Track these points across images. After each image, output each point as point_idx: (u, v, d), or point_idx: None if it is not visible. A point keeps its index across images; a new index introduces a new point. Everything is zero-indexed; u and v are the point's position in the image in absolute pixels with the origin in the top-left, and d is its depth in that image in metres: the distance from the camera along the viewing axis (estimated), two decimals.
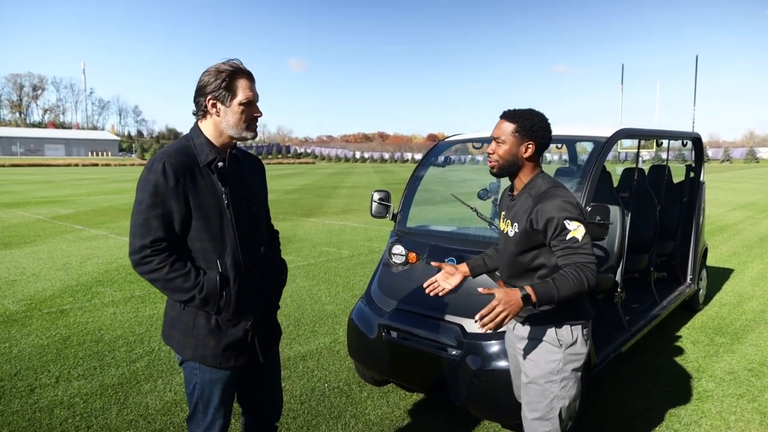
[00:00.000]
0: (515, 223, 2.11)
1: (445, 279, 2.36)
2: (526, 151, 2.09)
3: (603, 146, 3.33)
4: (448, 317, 3.11)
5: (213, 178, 1.90)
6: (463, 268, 2.42)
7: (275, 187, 24.94)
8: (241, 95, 1.89)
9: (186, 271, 1.85)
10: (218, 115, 1.91)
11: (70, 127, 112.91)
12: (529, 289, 1.88)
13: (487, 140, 4.35)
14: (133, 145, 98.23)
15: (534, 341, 2.16)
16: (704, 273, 5.73)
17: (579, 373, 2.20)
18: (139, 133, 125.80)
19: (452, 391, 3.00)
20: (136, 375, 3.89)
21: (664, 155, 5.57)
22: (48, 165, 56.18)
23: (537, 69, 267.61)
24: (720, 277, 7.01)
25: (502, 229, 2.25)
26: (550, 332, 2.14)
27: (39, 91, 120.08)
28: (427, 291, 2.37)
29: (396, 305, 3.36)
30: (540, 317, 2.13)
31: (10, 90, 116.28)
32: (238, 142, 2.03)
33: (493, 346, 2.89)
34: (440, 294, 2.36)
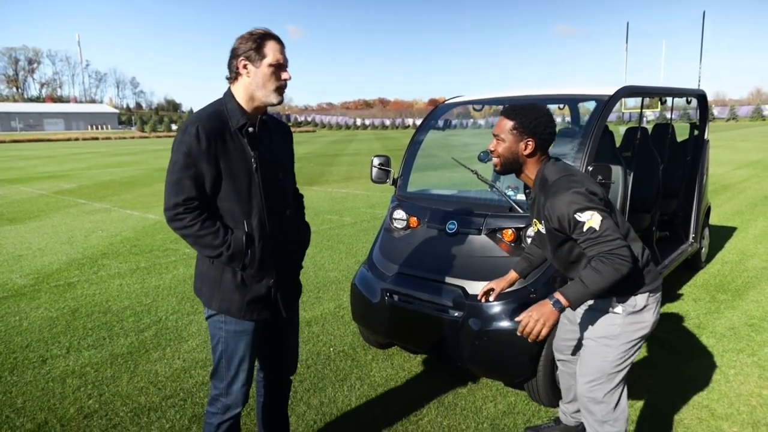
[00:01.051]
0: (542, 220, 2.15)
1: (497, 286, 2.54)
2: (526, 149, 2.08)
3: (605, 105, 3.28)
4: (450, 279, 3.13)
5: (243, 142, 1.98)
6: (512, 275, 2.54)
7: None
8: (271, 57, 1.96)
9: (215, 229, 1.95)
10: (248, 76, 1.97)
11: (68, 101, 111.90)
12: (558, 295, 1.91)
13: (488, 102, 4.30)
14: (132, 118, 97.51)
15: (589, 308, 2.24)
16: (707, 231, 5.73)
17: (641, 343, 2.19)
18: (138, 105, 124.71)
19: (454, 352, 3.04)
20: (145, 344, 3.96)
21: (668, 115, 5.49)
22: (48, 140, 55.91)
23: (539, 29, 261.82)
24: (723, 235, 7.01)
25: (536, 229, 2.29)
26: (611, 301, 2.15)
27: (35, 65, 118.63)
28: (482, 298, 2.56)
29: (398, 269, 3.38)
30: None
31: (5, 64, 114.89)
32: (268, 109, 2.08)
33: (495, 307, 2.92)
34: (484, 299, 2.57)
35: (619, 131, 5.45)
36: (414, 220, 3.58)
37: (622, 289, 2.07)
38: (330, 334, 4.11)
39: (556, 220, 1.99)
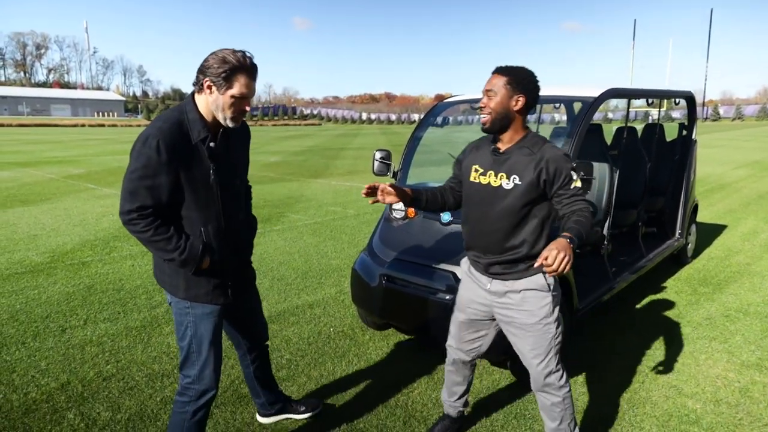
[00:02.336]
0: (513, 176, 2.16)
1: (385, 192, 2.31)
2: (516, 104, 2.15)
3: (590, 105, 3.52)
4: (442, 266, 3.38)
5: (203, 154, 2.05)
6: (408, 191, 2.41)
7: (282, 148, 25.08)
8: (236, 90, 2.02)
9: (169, 235, 2.03)
10: (210, 97, 2.04)
11: (75, 87, 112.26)
12: (568, 234, 1.97)
13: None
14: (139, 106, 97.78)
15: (524, 291, 2.25)
16: (693, 228, 5.96)
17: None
18: (144, 94, 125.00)
19: (442, 333, 3.29)
20: (157, 319, 4.23)
21: (675, 114, 5.70)
22: (55, 125, 56.27)
23: (546, 26, 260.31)
24: (713, 233, 7.24)
25: (483, 182, 2.26)
26: (538, 279, 2.25)
27: (42, 50, 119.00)
28: (363, 193, 2.31)
29: (395, 255, 3.63)
30: (522, 269, 2.24)
31: (13, 49, 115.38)
32: None
33: None
34: (371, 201, 2.32)
35: (612, 131, 5.68)
36: (411, 211, 3.83)
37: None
38: (331, 316, 4.37)
39: (553, 171, 2.11)
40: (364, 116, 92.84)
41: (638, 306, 4.63)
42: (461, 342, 2.56)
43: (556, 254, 1.83)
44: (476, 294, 2.41)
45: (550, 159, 2.13)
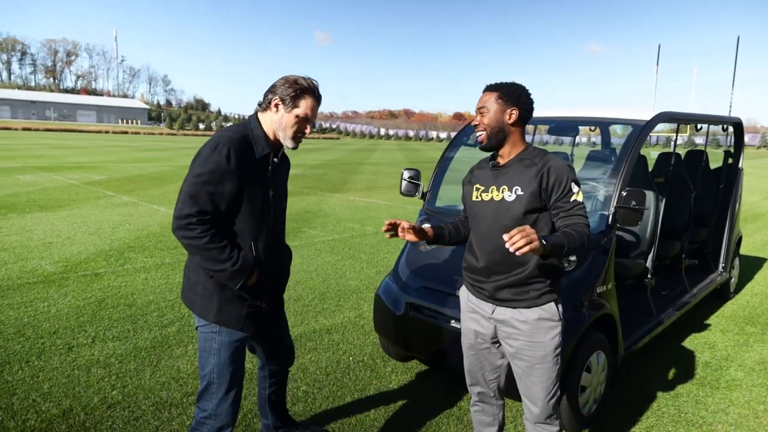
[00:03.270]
0: (515, 187, 2.09)
1: (406, 230, 2.21)
2: (510, 117, 2.11)
3: (642, 129, 3.26)
4: None
5: (267, 170, 2.12)
6: (426, 227, 2.33)
7: (301, 161, 25.06)
8: (302, 110, 2.09)
9: (223, 244, 2.01)
10: (276, 115, 2.11)
11: (101, 94, 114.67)
12: (546, 237, 1.88)
13: (531, 122, 4.29)
14: (162, 115, 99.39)
15: (536, 321, 2.14)
16: (737, 261, 5.62)
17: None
18: (168, 103, 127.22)
19: None
20: (168, 339, 4.01)
21: (698, 140, 5.42)
22: (80, 131, 57.31)
23: (569, 49, 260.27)
24: (753, 266, 6.86)
25: (486, 198, 2.18)
26: (551, 307, 2.14)
27: (72, 57, 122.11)
28: (383, 229, 2.19)
29: (423, 283, 3.38)
30: (533, 296, 2.14)
31: (44, 55, 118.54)
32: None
33: None
34: (389, 235, 2.20)
35: (651, 155, 5.38)
36: None
37: (554, 286, 2.16)
38: (350, 343, 4.12)
39: (554, 180, 2.04)
40: (382, 131, 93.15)
41: (682, 345, 4.29)
42: (479, 377, 2.40)
43: (521, 237, 1.74)
44: (479, 324, 2.29)
45: (551, 168, 2.06)
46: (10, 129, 52.42)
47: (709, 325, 4.74)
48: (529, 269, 2.11)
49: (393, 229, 2.19)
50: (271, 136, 2.14)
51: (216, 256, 2.00)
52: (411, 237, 2.21)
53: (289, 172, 2.43)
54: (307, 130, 2.15)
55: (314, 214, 9.98)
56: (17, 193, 10.99)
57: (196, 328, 2.17)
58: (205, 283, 2.10)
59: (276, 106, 2.09)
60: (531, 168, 2.09)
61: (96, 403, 3.08)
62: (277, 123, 2.11)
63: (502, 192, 2.13)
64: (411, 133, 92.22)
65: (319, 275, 5.89)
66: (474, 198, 2.23)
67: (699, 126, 4.36)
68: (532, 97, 2.17)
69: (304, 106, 2.09)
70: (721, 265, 5.13)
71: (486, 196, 2.18)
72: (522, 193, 2.08)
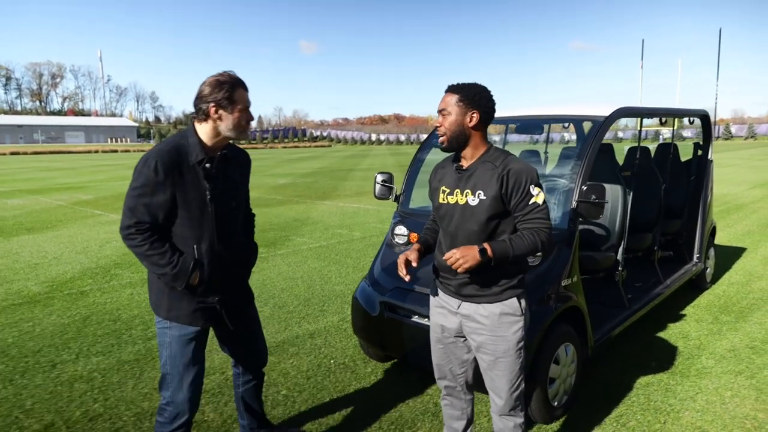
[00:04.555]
0: (478, 191, 2.14)
1: (415, 260, 2.28)
2: (471, 120, 2.15)
3: (600, 125, 3.36)
4: None
5: (200, 175, 2.17)
6: (418, 246, 2.39)
7: (291, 170, 25.12)
8: (241, 103, 2.19)
9: (163, 250, 2.14)
10: (220, 120, 2.17)
11: (89, 114, 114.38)
12: (485, 245, 2.02)
13: (495, 121, 4.38)
14: (151, 131, 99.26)
15: (499, 315, 2.20)
16: (712, 252, 5.72)
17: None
18: (157, 119, 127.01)
19: None
20: (152, 352, 4.06)
21: (686, 133, 5.54)
22: (69, 152, 57.15)
23: (552, 46, 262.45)
24: (732, 256, 6.97)
25: (451, 201, 2.23)
26: (512, 303, 2.22)
27: (58, 79, 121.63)
28: (406, 277, 2.25)
29: (397, 284, 3.45)
30: (495, 291, 2.20)
31: (29, 79, 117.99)
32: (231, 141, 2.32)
33: None
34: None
35: (624, 151, 5.49)
36: (415, 235, 3.66)
37: (518, 282, 2.23)
38: (332, 347, 4.18)
39: (513, 183, 2.09)
40: (374, 137, 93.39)
41: (656, 335, 4.38)
42: (446, 371, 2.47)
43: (455, 260, 1.97)
44: (446, 319, 2.36)
45: (511, 171, 2.11)
46: None
47: (684, 315, 4.83)
48: (495, 269, 2.16)
49: (408, 266, 2.25)
50: (209, 143, 2.21)
51: (157, 261, 2.13)
52: (417, 259, 2.26)
53: (248, 169, 2.48)
54: (251, 118, 2.25)
55: (302, 222, 10.05)
56: (4, 217, 11.00)
57: (156, 324, 2.32)
58: (157, 284, 2.25)
59: (216, 111, 2.15)
60: (493, 171, 2.14)
61: (78, 417, 3.13)
62: (223, 126, 2.17)
63: (466, 196, 2.18)
64: (402, 137, 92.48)
65: (305, 282, 5.96)
66: (441, 200, 2.28)
67: (664, 119, 4.48)
68: (493, 99, 2.20)
69: (240, 99, 2.17)
70: (695, 255, 5.24)
71: (452, 199, 2.23)
72: (485, 197, 2.13)
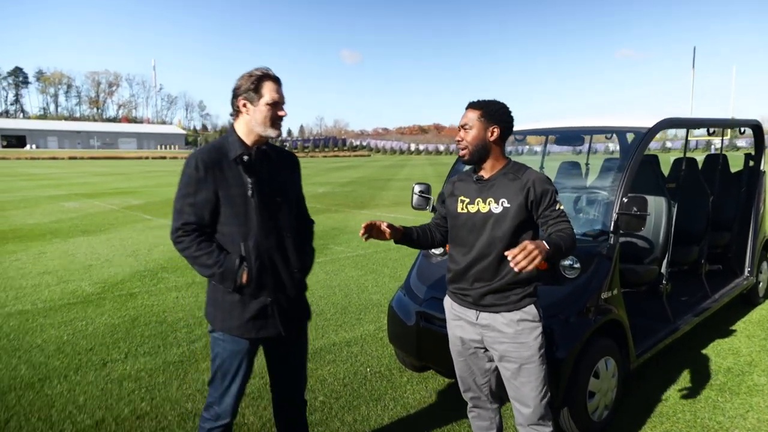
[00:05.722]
0: (502, 200, 2.21)
1: (383, 230, 2.30)
2: (491, 135, 2.24)
3: (643, 137, 3.29)
4: None
5: (240, 170, 2.17)
6: (398, 227, 2.39)
7: (330, 179, 25.45)
8: (268, 97, 2.16)
9: (210, 250, 2.15)
10: (248, 114, 2.18)
11: (141, 122, 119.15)
12: (546, 240, 2.02)
13: (528, 132, 4.36)
14: (198, 139, 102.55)
15: (518, 322, 2.23)
16: (765, 265, 5.47)
17: None
18: (204, 127, 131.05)
19: None
20: (195, 354, 4.22)
21: (740, 143, 5.35)
22: (121, 158, 59.76)
23: (600, 54, 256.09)
24: None
25: (472, 210, 2.27)
26: (531, 309, 2.25)
27: (114, 88, 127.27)
28: (360, 234, 2.26)
29: (433, 294, 3.47)
30: (514, 300, 2.24)
31: (88, 87, 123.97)
32: (270, 140, 2.28)
33: None
34: (366, 238, 2.26)
35: (670, 162, 5.34)
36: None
37: (533, 289, 2.27)
38: (368, 355, 4.23)
39: (540, 192, 2.17)
40: (413, 147, 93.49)
41: (703, 351, 4.22)
42: (470, 382, 2.48)
43: (529, 250, 1.85)
44: (465, 331, 2.37)
45: (536, 181, 2.19)
46: (57, 158, 55.11)
47: (734, 330, 4.64)
48: (510, 275, 2.22)
49: (369, 230, 2.27)
50: (247, 140, 2.20)
51: (205, 262, 2.14)
52: (384, 236, 2.30)
53: (296, 170, 2.43)
54: (282, 113, 2.20)
55: (341, 230, 10.17)
56: (61, 219, 11.61)
57: (209, 332, 2.33)
58: (212, 294, 2.26)
59: (244, 105, 2.17)
60: (515, 182, 2.22)
61: (126, 414, 3.28)
62: (253, 121, 2.17)
63: (489, 204, 2.24)
64: (441, 147, 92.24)
65: (342, 290, 6.04)
66: (460, 210, 2.32)
67: (712, 130, 4.33)
68: (512, 114, 2.30)
69: (267, 91, 2.15)
70: (746, 269, 5.03)
71: (472, 208, 2.29)
72: (509, 205, 2.20)
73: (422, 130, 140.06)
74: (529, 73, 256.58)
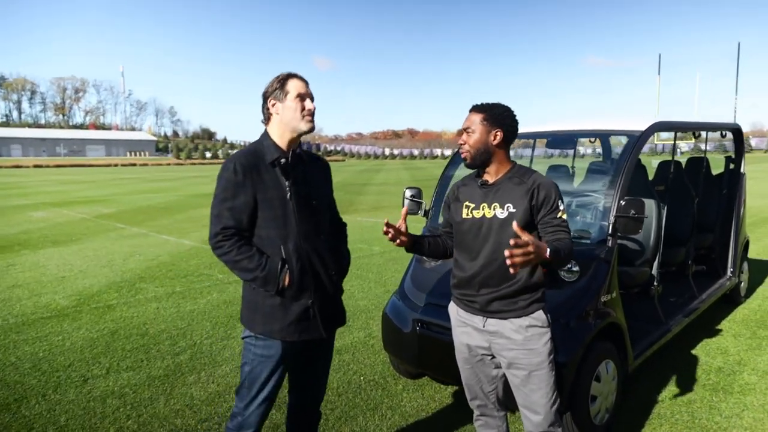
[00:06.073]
0: (507, 205, 2.17)
1: (399, 230, 2.25)
2: (494, 139, 2.19)
3: (637, 140, 3.31)
4: None
5: (277, 173, 2.17)
6: (411, 237, 2.33)
7: None
8: (293, 91, 2.18)
9: (251, 254, 2.13)
10: (278, 113, 2.20)
11: (109, 128, 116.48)
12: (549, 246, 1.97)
13: (525, 135, 4.35)
14: (169, 145, 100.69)
15: (527, 328, 2.19)
16: (745, 265, 5.60)
17: None
18: (175, 133, 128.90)
19: None
20: (181, 367, 4.06)
21: (702, 147, 5.46)
22: (90, 165, 58.22)
23: (567, 60, 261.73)
24: (763, 269, 6.81)
25: (477, 215, 2.22)
26: (539, 315, 2.22)
27: (81, 94, 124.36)
28: (384, 231, 2.22)
29: (429, 300, 3.41)
30: (522, 306, 2.20)
31: (54, 93, 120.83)
32: (303, 144, 2.30)
33: None
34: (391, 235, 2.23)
35: (652, 164, 5.41)
36: None
37: (541, 294, 2.23)
38: (361, 363, 4.14)
39: (543, 196, 2.13)
40: (387, 152, 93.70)
41: (693, 351, 4.27)
42: (476, 390, 2.43)
43: (527, 251, 1.79)
44: (471, 337, 2.32)
45: (540, 184, 2.15)
46: (21, 167, 53.36)
47: (720, 330, 4.71)
48: (520, 282, 2.18)
49: (394, 231, 2.22)
50: (281, 143, 2.21)
51: (246, 266, 2.12)
52: (402, 242, 2.26)
53: (328, 173, 2.45)
54: (311, 105, 2.20)
55: None
56: (30, 230, 11.18)
57: (242, 338, 2.27)
58: (251, 298, 2.22)
59: (274, 106, 2.19)
60: (521, 186, 2.18)
61: None
62: (284, 119, 2.19)
63: (494, 209, 2.20)
64: (416, 152, 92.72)
65: None
66: (464, 215, 2.27)
67: (697, 133, 4.41)
68: (516, 118, 2.25)
69: (293, 87, 2.18)
70: (729, 269, 5.12)
71: (477, 213, 2.24)
72: (514, 210, 2.16)
73: (396, 134, 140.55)
74: (499, 79, 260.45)
